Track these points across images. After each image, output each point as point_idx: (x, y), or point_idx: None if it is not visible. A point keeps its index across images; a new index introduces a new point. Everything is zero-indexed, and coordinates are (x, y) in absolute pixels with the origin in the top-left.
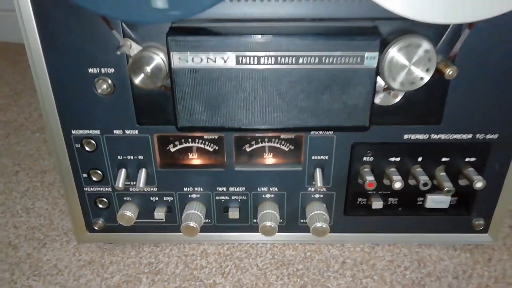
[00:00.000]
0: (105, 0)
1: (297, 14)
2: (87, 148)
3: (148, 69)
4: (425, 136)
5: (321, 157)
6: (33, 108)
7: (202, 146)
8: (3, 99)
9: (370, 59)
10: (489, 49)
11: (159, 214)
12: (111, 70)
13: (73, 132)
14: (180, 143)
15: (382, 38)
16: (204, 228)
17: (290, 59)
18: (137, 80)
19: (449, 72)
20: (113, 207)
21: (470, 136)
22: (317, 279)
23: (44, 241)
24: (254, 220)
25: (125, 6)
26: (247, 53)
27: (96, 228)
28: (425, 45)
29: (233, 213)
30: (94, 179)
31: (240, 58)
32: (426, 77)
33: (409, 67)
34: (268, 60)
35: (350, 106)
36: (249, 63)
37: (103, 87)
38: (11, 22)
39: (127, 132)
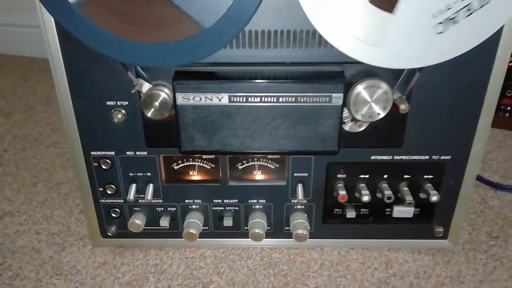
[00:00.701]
0: (123, 50)
1: (279, 58)
2: (103, 167)
3: (157, 104)
4: (389, 157)
5: (302, 174)
6: (46, 123)
7: (201, 164)
8: (18, 114)
9: (336, 98)
10: (437, 86)
11: (164, 222)
12: (125, 103)
13: (92, 153)
14: (182, 162)
15: (346, 81)
16: (202, 234)
17: (272, 98)
18: (148, 113)
19: (403, 107)
20: (124, 216)
21: (427, 157)
22: (298, 278)
23: (64, 245)
24: (246, 228)
25: (139, 54)
26: (238, 94)
27: (109, 234)
28: (385, 88)
29: (228, 222)
30: (109, 192)
31: (232, 98)
32: (383, 114)
33: (370, 103)
34: (254, 99)
35: (321, 135)
36: (239, 101)
37: (118, 116)
38: (20, 36)
39: (137, 153)
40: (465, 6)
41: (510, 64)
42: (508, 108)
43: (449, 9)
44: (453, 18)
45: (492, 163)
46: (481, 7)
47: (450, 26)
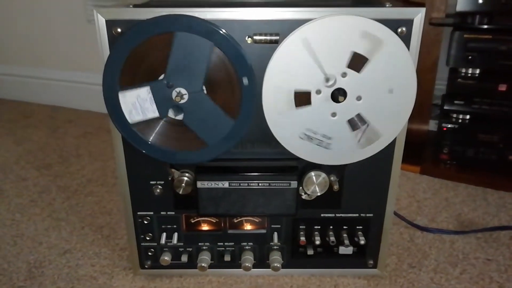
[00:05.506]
0: (163, 154)
1: (260, 155)
2: (145, 222)
3: (184, 185)
4: (333, 214)
5: (276, 225)
6: (81, 175)
7: (209, 219)
8: (56, 166)
9: (293, 184)
10: (359, 171)
11: (184, 258)
12: (162, 182)
13: (138, 213)
14: (197, 218)
15: (300, 172)
16: (210, 266)
17: (254, 183)
18: (179, 191)
19: (335, 187)
20: (157, 254)
21: (357, 214)
22: None
23: (112, 275)
24: (239, 262)
25: (173, 156)
26: (234, 181)
27: (146, 266)
28: (323, 175)
29: (227, 257)
30: (147, 238)
31: (230, 184)
32: (321, 192)
33: (315, 185)
34: (244, 184)
35: (285, 204)
36: (235, 186)
37: (157, 191)
38: (42, 87)
39: (168, 213)
40: (320, 140)
41: (445, 129)
42: (448, 161)
43: (314, 133)
44: (311, 138)
45: (425, 209)
46: (326, 148)
47: (304, 140)
